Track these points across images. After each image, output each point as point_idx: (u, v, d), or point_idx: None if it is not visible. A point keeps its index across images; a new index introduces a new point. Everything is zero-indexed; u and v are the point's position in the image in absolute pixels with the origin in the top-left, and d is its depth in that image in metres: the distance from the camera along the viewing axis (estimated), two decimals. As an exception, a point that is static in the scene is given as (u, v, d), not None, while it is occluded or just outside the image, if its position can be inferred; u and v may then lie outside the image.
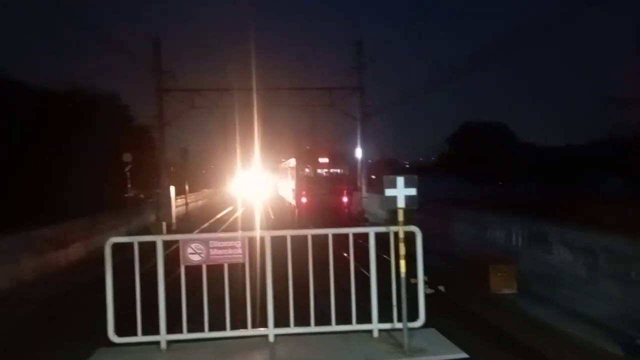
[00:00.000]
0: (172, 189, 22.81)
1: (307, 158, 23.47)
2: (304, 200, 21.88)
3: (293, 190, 23.18)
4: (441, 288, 9.48)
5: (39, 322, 8.54)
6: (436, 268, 10.56)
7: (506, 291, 9.07)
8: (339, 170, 23.19)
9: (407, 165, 69.57)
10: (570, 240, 8.18)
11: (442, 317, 6.63)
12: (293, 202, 23.38)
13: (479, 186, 38.92)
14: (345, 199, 22.02)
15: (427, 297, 5.70)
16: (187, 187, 30.69)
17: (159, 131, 26.27)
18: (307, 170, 23.01)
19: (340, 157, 23.87)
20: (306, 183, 22.40)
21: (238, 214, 26.73)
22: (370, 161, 38.80)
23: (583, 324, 6.95)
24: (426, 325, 5.45)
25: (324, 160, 23.11)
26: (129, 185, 20.42)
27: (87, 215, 15.32)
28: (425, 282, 9.16)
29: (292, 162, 24.22)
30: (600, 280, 7.31)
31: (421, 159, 75.18)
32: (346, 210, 21.79)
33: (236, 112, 28.23)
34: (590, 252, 7.58)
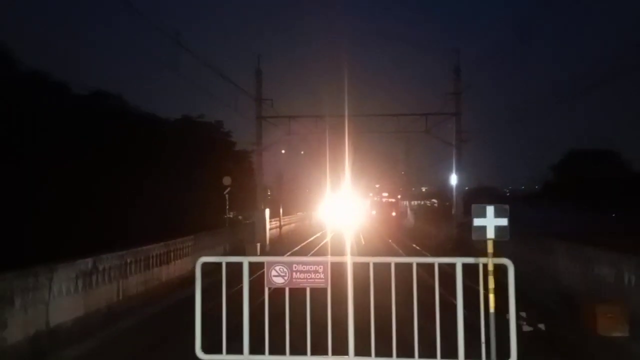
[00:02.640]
0: (267, 211, 23.59)
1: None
2: (373, 212, 48.80)
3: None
4: (541, 326, 8.77)
5: (139, 335, 9.14)
6: (536, 305, 9.84)
7: (616, 334, 8.19)
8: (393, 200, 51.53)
9: (508, 194, 66.07)
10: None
11: (540, 357, 6.13)
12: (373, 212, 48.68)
13: (588, 217, 35.69)
14: (393, 213, 48.35)
15: (525, 335, 5.32)
16: (281, 210, 31.57)
17: (257, 156, 27.49)
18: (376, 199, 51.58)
19: (396, 192, 50.53)
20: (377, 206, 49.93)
21: (327, 239, 26.94)
22: (467, 189, 37.44)
23: None
24: (519, 365, 5.04)
25: (385, 194, 53.23)
26: (228, 207, 21.46)
27: (190, 235, 16.29)
28: (523, 319, 8.64)
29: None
30: None
31: (523, 187, 71.08)
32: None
33: (327, 138, 28.80)
34: None
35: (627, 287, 9.03)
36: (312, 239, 29.11)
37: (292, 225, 37.98)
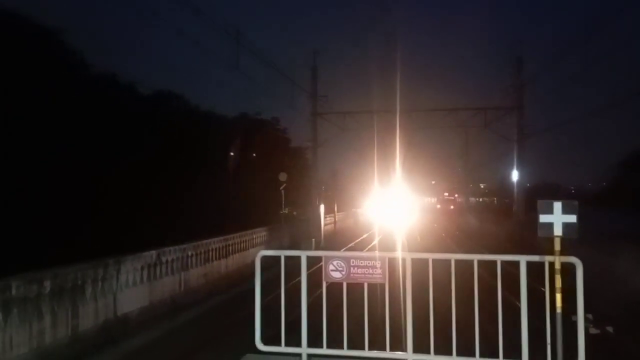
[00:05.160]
0: (322, 207, 23.71)
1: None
2: (438, 206, 60.29)
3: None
4: (609, 329, 8.34)
5: (201, 326, 9.44)
6: (604, 308, 9.35)
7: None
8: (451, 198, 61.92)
9: (573, 191, 63.02)
10: None
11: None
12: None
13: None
14: (452, 207, 56.97)
15: (592, 337, 5.05)
16: (335, 207, 31.64)
17: (312, 152, 27.67)
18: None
19: (452, 189, 62.25)
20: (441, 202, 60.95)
21: (378, 238, 26.69)
22: (528, 185, 36.08)
23: None
24: (587, 369, 4.81)
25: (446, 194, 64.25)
26: (284, 203, 21.75)
27: (247, 229, 16.66)
28: (590, 321, 8.23)
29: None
30: None
31: (590, 184, 67.51)
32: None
33: (375, 134, 28.55)
34: None
35: None
36: (366, 235, 28.94)
37: (347, 221, 37.96)
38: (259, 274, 5.52)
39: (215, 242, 14.04)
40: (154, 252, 10.69)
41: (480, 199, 61.69)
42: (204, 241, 13.37)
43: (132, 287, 9.80)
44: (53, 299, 7.73)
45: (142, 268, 10.23)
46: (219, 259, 14.21)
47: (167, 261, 11.19)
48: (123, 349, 8.14)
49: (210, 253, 13.65)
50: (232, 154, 22.44)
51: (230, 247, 15.04)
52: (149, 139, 12.41)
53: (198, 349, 7.85)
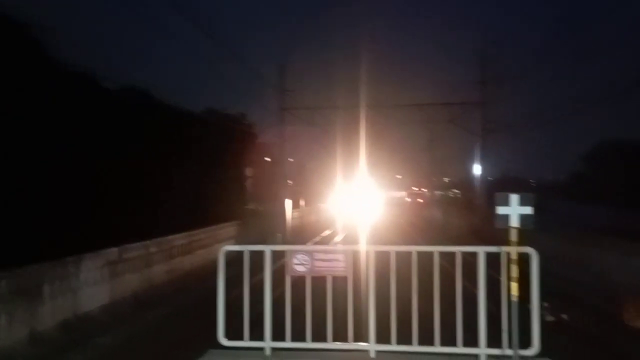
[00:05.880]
0: (288, 202, 23.70)
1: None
2: (408, 199, 61.83)
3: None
4: (564, 317, 8.67)
5: (164, 323, 9.32)
6: (561, 296, 9.70)
7: (643, 326, 8.05)
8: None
9: (534, 184, 64.86)
10: None
11: (561, 347, 6.05)
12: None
13: (618, 212, 34.32)
14: (421, 200, 59.15)
15: (549, 325, 5.24)
16: (303, 202, 31.67)
17: (279, 148, 27.61)
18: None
19: (416, 183, 67.45)
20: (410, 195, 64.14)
21: (344, 234, 26.91)
22: (491, 179, 36.95)
23: None
24: (542, 354, 4.99)
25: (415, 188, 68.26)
26: (249, 198, 21.63)
27: (211, 225, 16.49)
28: (546, 309, 8.52)
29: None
30: None
31: (548, 177, 69.59)
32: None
33: (342, 128, 28.82)
34: None
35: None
36: (330, 231, 29.09)
37: (313, 216, 38.05)
38: (222, 269, 5.49)
39: (179, 239, 13.86)
40: (115, 250, 10.47)
41: (450, 193, 62.91)
42: (168, 237, 13.18)
43: (93, 285, 9.58)
44: (9, 298, 7.49)
45: (103, 266, 10.01)
46: (184, 255, 14.03)
47: (129, 258, 10.98)
48: (84, 348, 7.95)
49: (174, 250, 13.47)
50: (196, 149, 22.17)
51: (195, 243, 14.87)
52: (111, 135, 12.11)
53: (161, 346, 7.75)
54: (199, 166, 17.91)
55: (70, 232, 9.48)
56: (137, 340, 8.40)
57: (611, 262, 11.06)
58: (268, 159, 31.76)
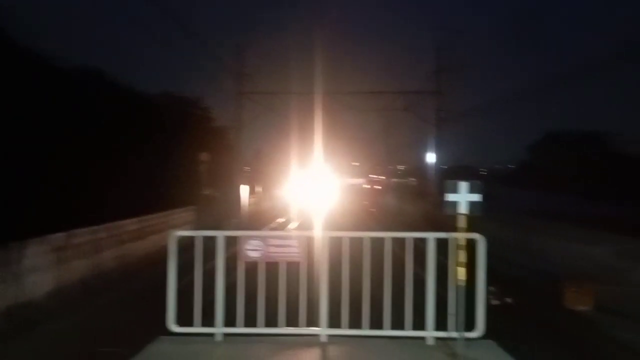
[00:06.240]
0: (245, 188, 23.50)
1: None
2: (366, 186, 61.08)
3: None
4: (509, 300, 9.05)
5: (113, 310, 9.10)
6: (507, 281, 10.10)
7: (581, 308, 8.51)
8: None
9: (484, 173, 66.96)
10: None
11: (505, 329, 6.31)
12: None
13: (562, 199, 35.90)
14: (379, 187, 57.57)
15: (493, 308, 5.45)
16: (259, 188, 31.45)
17: (236, 132, 27.26)
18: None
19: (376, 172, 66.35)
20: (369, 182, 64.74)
21: (299, 221, 26.96)
22: (444, 167, 37.82)
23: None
24: (486, 337, 5.20)
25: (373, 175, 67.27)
26: (204, 184, 21.31)
27: (165, 210, 16.16)
28: (492, 293, 8.87)
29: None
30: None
31: (497, 166, 71.95)
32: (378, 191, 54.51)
33: (297, 114, 28.88)
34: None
35: (602, 265, 9.35)
36: (286, 217, 29.10)
37: (270, 202, 37.90)
38: (173, 254, 5.41)
39: (130, 224, 13.52)
40: (62, 235, 10.11)
41: (407, 180, 64.03)
42: (118, 222, 12.84)
43: (38, 271, 9.24)
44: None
45: (50, 251, 9.66)
46: (135, 240, 13.71)
47: (77, 244, 10.63)
48: (28, 336, 7.68)
49: (125, 235, 13.13)
50: (149, 132, 21.56)
51: (147, 229, 14.55)
52: (61, 116, 11.59)
53: (109, 334, 7.57)
54: (153, 150, 17.45)
55: (13, 216, 9.06)
56: (84, 326, 8.18)
57: (549, 244, 11.61)
58: (224, 144, 31.31)
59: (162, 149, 19.56)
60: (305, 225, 21.96)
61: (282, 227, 23.11)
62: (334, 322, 5.33)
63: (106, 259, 11.92)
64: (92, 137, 12.75)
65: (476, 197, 5.15)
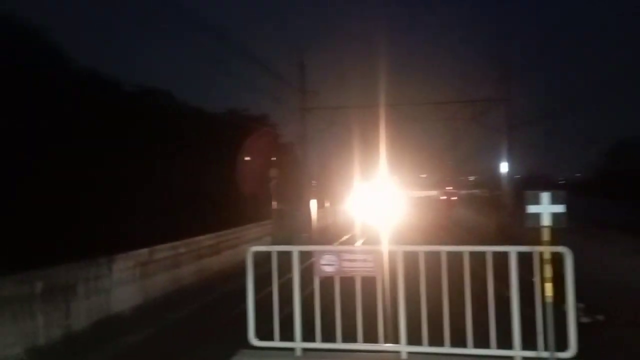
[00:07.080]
0: (313, 202, 23.71)
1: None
2: (443, 197, 56.00)
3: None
4: (600, 317, 8.46)
5: (194, 323, 9.43)
6: (595, 297, 9.47)
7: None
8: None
9: (562, 182, 63.50)
10: None
11: (599, 349, 5.91)
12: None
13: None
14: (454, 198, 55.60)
15: (584, 326, 5.11)
16: (328, 203, 31.61)
17: (302, 147, 27.68)
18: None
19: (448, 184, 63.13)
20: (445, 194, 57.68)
21: (366, 236, 26.67)
22: (516, 177, 36.31)
23: None
24: (578, 356, 4.88)
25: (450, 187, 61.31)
26: (274, 199, 21.73)
27: (238, 226, 16.64)
28: (581, 310, 8.33)
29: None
30: None
31: (579, 174, 67.96)
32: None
33: (362, 127, 28.66)
34: None
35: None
36: (355, 232, 28.88)
37: (336, 217, 37.89)
38: (250, 270, 5.53)
39: (207, 240, 14.02)
40: (145, 250, 10.66)
41: (476, 191, 61.97)
42: (196, 238, 13.35)
43: (125, 285, 9.78)
44: (45, 299, 7.70)
45: (135, 266, 10.20)
46: (211, 255, 14.19)
47: (159, 259, 11.16)
48: (118, 348, 8.11)
49: (202, 250, 13.63)
50: (220, 151, 22.42)
51: (222, 244, 15.02)
52: (137, 139, 12.34)
53: (192, 346, 7.85)
54: (226, 167, 18.11)
55: (100, 234, 9.69)
56: (165, 339, 8.53)
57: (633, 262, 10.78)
58: (291, 160, 31.86)
59: (233, 167, 20.26)
60: (375, 240, 21.76)
61: (353, 241, 23.05)
62: (413, 338, 5.22)
63: (185, 273, 12.42)
64: (171, 160, 13.43)
65: (560, 208, 4.89)
